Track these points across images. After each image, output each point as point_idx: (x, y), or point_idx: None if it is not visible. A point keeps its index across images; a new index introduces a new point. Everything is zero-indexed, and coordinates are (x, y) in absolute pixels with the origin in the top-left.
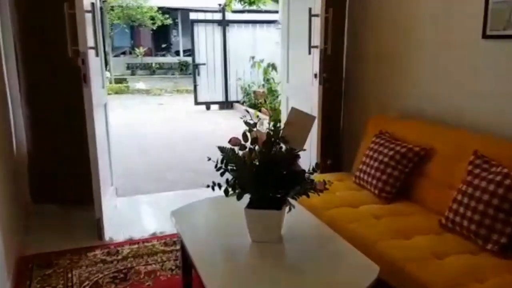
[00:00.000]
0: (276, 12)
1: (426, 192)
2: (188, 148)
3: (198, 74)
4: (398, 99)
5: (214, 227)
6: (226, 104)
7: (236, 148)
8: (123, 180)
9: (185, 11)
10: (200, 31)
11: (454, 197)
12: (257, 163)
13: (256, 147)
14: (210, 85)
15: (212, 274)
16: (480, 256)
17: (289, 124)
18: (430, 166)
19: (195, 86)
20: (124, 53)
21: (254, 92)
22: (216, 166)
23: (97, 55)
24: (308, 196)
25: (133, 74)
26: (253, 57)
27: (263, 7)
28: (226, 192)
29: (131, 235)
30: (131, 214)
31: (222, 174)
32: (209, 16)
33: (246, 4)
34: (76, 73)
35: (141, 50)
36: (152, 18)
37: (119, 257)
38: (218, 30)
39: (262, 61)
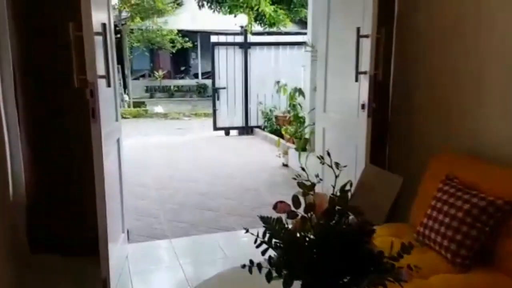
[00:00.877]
0: (299, 33)
1: None
2: (207, 181)
3: (218, 99)
4: (460, 135)
5: None
6: (246, 130)
7: (284, 216)
8: (137, 220)
9: (205, 34)
10: (221, 54)
11: None
12: (314, 238)
13: (313, 216)
14: (230, 110)
15: None
16: None
17: (363, 187)
18: None
19: (214, 111)
20: (143, 76)
21: (276, 117)
22: (255, 241)
23: (109, 85)
24: (385, 287)
25: (151, 97)
26: (278, 82)
27: (283, 29)
28: (269, 276)
29: None
30: (143, 267)
31: (263, 253)
32: (230, 39)
33: (266, 26)
34: (84, 107)
35: (160, 73)
36: (172, 41)
37: None
38: (239, 53)
39: (285, 85)
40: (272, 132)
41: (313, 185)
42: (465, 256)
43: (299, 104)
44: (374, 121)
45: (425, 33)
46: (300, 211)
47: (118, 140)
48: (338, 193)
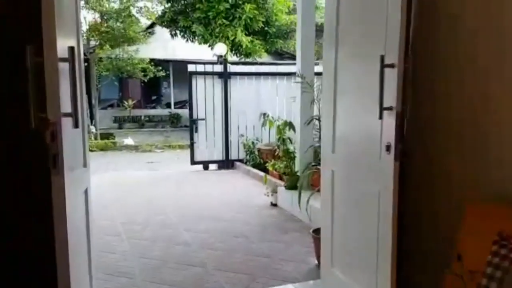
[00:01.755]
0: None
1: None
2: (188, 227)
3: (196, 131)
4: (495, 180)
5: None
6: (227, 163)
7: None
8: (105, 282)
9: (178, 63)
10: (199, 84)
11: None
12: None
13: None
14: (209, 143)
15: None
16: None
17: None
18: None
19: (192, 144)
20: (111, 105)
21: (259, 150)
22: None
23: (76, 125)
24: None
25: (120, 127)
26: (264, 114)
27: (265, 59)
28: None
29: None
30: None
31: None
32: (209, 68)
33: (242, 56)
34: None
35: (130, 102)
36: (144, 70)
37: None
38: (218, 82)
39: (267, 116)
40: (255, 166)
41: None
42: None
43: (289, 139)
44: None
45: (447, 60)
46: None
47: (86, 191)
48: None
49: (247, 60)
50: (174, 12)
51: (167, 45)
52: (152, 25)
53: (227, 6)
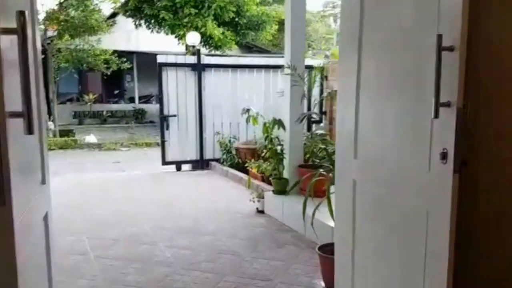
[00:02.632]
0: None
1: None
2: (167, 242)
3: (167, 128)
4: None
5: None
6: (201, 164)
7: None
8: None
9: (142, 55)
10: (170, 77)
11: None
12: None
13: None
14: (181, 141)
15: None
16: None
17: None
18: None
19: (163, 142)
20: (71, 100)
21: (237, 149)
22: None
23: (30, 130)
24: None
25: (80, 123)
26: (248, 110)
27: (228, 52)
28: None
29: None
30: None
31: None
32: (181, 59)
33: (212, 48)
34: None
35: (91, 96)
36: (107, 62)
37: None
38: (191, 75)
39: (250, 112)
40: (233, 166)
41: None
42: None
43: (278, 138)
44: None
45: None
46: None
47: (46, 217)
48: None
49: (217, 53)
50: (138, 0)
51: (131, 36)
52: (114, 15)
53: None
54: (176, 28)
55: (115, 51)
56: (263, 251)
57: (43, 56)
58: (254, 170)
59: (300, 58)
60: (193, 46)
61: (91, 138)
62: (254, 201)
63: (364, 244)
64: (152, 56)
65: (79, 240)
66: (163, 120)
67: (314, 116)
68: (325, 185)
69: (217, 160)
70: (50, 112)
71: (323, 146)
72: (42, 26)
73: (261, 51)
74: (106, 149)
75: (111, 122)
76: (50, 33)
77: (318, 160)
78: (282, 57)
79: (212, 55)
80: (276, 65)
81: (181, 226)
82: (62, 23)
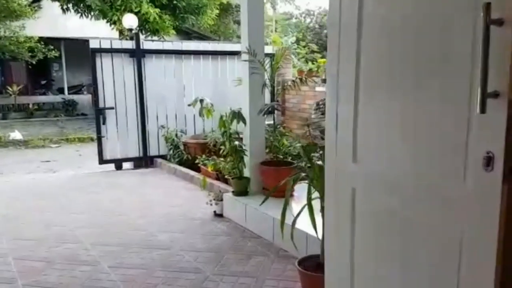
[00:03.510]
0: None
1: None
2: (114, 263)
3: (104, 122)
4: None
5: None
6: (145, 161)
7: None
8: None
9: (70, 41)
10: (105, 65)
11: None
12: None
13: None
14: (121, 137)
15: None
16: None
17: None
18: None
19: (99, 138)
20: None
21: (185, 144)
22: None
23: None
24: None
25: (4, 118)
26: (201, 101)
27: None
28: None
29: None
30: None
31: None
32: (117, 44)
33: (149, 33)
34: None
35: (15, 88)
36: (32, 50)
37: None
38: (129, 62)
39: (211, 105)
40: (182, 163)
41: None
42: None
43: (238, 133)
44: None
45: None
46: None
47: None
48: None
49: (154, 39)
50: None
51: (58, 22)
52: None
53: None
54: (108, 12)
55: (41, 38)
56: (229, 265)
57: None
58: (209, 169)
59: (260, 42)
60: (131, 30)
61: (16, 134)
62: (211, 204)
63: (367, 267)
64: (82, 42)
65: (3, 264)
66: (99, 114)
67: (278, 107)
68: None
69: (163, 157)
70: None
71: (287, 141)
72: None
73: (201, 37)
74: (34, 146)
75: (38, 115)
76: None
77: (281, 156)
78: (230, 42)
79: (153, 40)
80: (225, 51)
81: (128, 239)
82: None
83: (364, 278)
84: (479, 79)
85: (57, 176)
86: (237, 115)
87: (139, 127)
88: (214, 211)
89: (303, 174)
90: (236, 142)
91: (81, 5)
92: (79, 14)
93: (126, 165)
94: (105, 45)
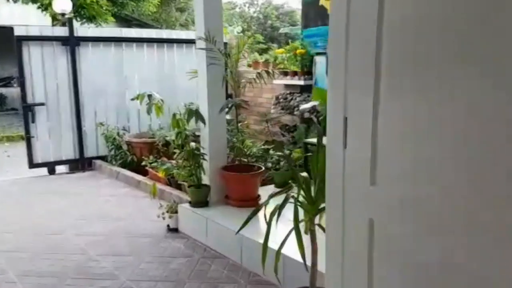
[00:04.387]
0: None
1: None
2: None
3: (33, 120)
4: None
5: None
6: (82, 163)
7: None
8: None
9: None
10: (33, 55)
11: None
12: None
13: None
14: (54, 136)
15: None
16: None
17: None
18: None
19: (28, 139)
20: None
21: (129, 143)
22: None
23: None
24: None
25: None
26: (149, 95)
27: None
28: None
29: None
30: None
31: None
32: (47, 32)
33: (84, 20)
34: None
35: None
36: None
37: None
38: (62, 52)
39: (160, 101)
40: (125, 165)
41: None
42: None
43: (194, 134)
44: None
45: None
46: None
47: None
48: None
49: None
50: None
51: None
52: None
53: None
54: None
55: None
56: None
57: None
58: (161, 174)
59: (219, 28)
60: (63, 15)
61: None
62: (164, 218)
63: None
64: (11, 31)
65: None
66: (27, 110)
67: (243, 104)
68: (256, 188)
69: (103, 158)
70: None
71: (250, 142)
72: None
73: (142, 25)
74: None
75: None
76: None
77: (245, 160)
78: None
79: (89, 27)
80: (172, 38)
81: (63, 266)
82: None
83: None
84: None
85: None
86: (195, 114)
87: (75, 125)
88: (168, 225)
89: (292, 194)
90: (193, 144)
91: None
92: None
93: (60, 168)
94: (34, 32)
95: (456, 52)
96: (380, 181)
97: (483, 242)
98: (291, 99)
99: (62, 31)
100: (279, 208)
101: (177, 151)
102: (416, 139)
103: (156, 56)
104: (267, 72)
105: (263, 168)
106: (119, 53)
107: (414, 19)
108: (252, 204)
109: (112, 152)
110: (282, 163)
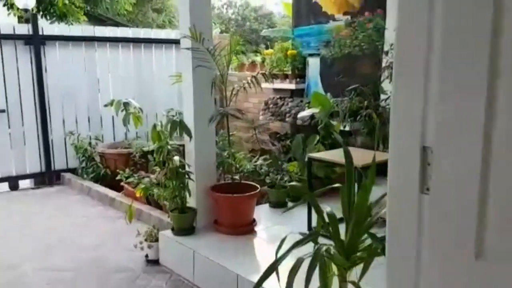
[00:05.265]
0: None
1: None
2: None
3: None
4: None
5: None
6: (49, 177)
7: None
8: None
9: None
10: None
11: None
12: None
13: None
14: (16, 147)
15: None
16: None
17: None
18: None
19: None
20: None
21: (102, 154)
22: None
23: None
24: None
25: None
26: (125, 103)
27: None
28: None
29: None
30: None
31: None
32: (7, 29)
33: (54, 19)
34: None
35: None
36: None
37: None
38: (25, 52)
39: (139, 109)
40: (98, 179)
41: None
42: None
43: (180, 148)
44: None
45: None
46: None
47: None
48: None
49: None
50: None
51: None
52: None
53: None
54: None
55: None
56: None
57: None
58: (138, 194)
59: (207, 23)
60: (26, 11)
61: None
62: (142, 248)
63: None
64: None
65: None
66: None
67: (237, 114)
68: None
69: (73, 171)
70: None
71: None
72: None
73: (117, 25)
74: None
75: None
76: None
77: (237, 178)
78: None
79: (57, 25)
80: (150, 38)
81: None
82: None
83: None
84: None
85: None
86: (179, 125)
87: (40, 133)
88: (146, 256)
89: (324, 248)
90: (176, 159)
91: None
92: None
93: (25, 183)
94: None
95: None
96: (434, 189)
97: None
98: (282, 104)
99: (25, 29)
100: (308, 271)
101: (157, 168)
102: None
103: (133, 58)
104: (264, 75)
105: (259, 188)
106: (91, 54)
107: None
108: (246, 231)
109: (83, 164)
110: (277, 179)
